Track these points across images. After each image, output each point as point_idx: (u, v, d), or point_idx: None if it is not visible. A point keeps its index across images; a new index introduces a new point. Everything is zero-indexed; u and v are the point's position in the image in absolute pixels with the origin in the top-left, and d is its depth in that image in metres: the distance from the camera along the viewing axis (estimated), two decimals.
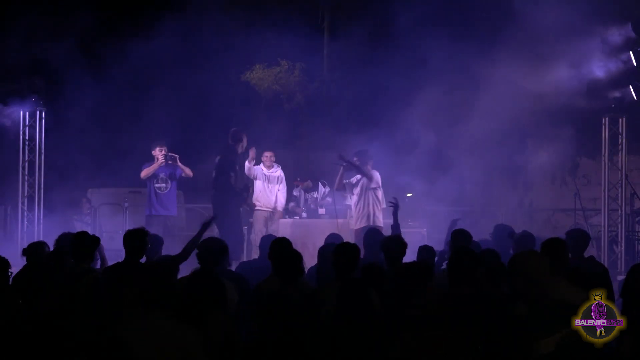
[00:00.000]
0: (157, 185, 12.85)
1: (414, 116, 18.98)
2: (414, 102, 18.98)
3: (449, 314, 5.35)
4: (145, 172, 12.74)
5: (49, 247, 7.69)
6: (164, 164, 12.70)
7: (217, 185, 12.48)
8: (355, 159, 12.74)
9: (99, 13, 18.69)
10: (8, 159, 14.93)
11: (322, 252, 8.07)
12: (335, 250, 6.84)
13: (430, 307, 5.39)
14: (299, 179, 14.72)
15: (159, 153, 12.77)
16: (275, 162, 13.71)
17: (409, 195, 14.41)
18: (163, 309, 4.94)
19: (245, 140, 12.63)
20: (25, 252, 7.69)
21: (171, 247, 10.01)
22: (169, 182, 12.88)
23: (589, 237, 8.34)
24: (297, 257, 6.82)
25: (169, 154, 12.67)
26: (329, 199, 14.22)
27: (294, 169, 17.32)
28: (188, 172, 12.80)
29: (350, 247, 6.87)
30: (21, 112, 14.13)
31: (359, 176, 12.73)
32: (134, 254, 7.38)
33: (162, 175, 12.85)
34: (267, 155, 13.62)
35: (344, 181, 12.87)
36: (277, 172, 13.64)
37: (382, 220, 12.72)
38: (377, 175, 12.76)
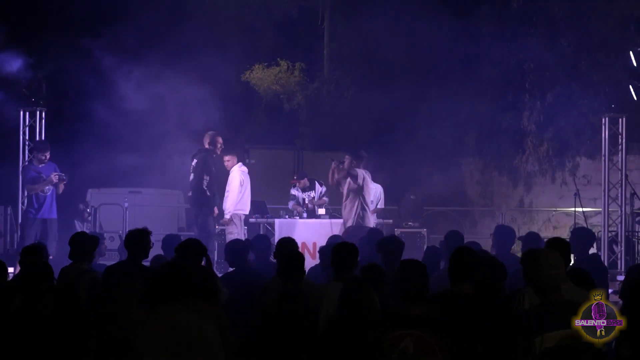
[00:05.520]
0: None
1: (414, 116, 19.00)
2: (415, 101, 19.01)
3: (449, 314, 5.34)
4: (37, 189, 12.68)
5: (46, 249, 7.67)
6: (54, 182, 12.73)
7: (195, 188, 12.43)
8: (347, 157, 12.64)
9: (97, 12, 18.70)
10: (8, 158, 14.90)
11: (322, 251, 8.12)
12: (334, 249, 6.83)
13: (430, 306, 5.38)
14: (295, 177, 14.63)
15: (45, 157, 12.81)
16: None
17: (412, 197, 14.37)
18: (172, 303, 4.94)
19: (220, 143, 12.61)
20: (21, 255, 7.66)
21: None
22: (50, 187, 12.90)
23: (594, 236, 8.31)
24: (301, 257, 6.83)
25: (63, 175, 12.67)
26: (325, 199, 14.17)
27: (293, 169, 17.32)
28: (60, 192, 12.92)
29: (349, 247, 6.87)
30: (21, 112, 14.10)
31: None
32: (137, 253, 7.37)
33: (44, 177, 12.80)
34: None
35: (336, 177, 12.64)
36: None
37: (373, 223, 12.61)
38: (362, 176, 12.50)
